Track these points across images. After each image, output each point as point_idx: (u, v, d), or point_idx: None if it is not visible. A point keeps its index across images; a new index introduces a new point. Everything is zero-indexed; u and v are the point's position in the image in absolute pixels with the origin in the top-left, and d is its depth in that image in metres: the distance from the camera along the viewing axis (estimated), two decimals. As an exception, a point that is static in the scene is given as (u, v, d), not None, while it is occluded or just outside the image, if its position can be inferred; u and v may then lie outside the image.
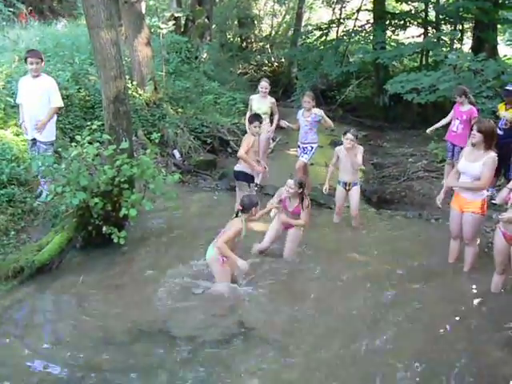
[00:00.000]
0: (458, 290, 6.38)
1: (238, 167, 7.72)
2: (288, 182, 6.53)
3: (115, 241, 6.35)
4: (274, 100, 9.37)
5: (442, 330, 5.50)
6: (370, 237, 7.78)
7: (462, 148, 7.74)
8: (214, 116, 12.06)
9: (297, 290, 6.16)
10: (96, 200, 6.11)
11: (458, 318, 5.76)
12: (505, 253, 5.86)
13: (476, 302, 6.12)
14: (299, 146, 9.03)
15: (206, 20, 17.28)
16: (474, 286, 6.42)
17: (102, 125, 6.91)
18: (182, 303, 5.63)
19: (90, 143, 6.46)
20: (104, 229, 6.29)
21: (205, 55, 16.65)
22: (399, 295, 6.14)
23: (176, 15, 16.48)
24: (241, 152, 7.53)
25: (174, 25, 16.10)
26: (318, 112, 8.87)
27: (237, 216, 5.95)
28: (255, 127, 7.60)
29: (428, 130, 9.49)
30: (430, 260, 7.03)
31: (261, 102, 9.20)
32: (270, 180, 9.28)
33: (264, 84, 9.25)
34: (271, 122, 9.44)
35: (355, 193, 7.85)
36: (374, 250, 7.30)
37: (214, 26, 19.60)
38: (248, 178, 7.70)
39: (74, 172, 6.10)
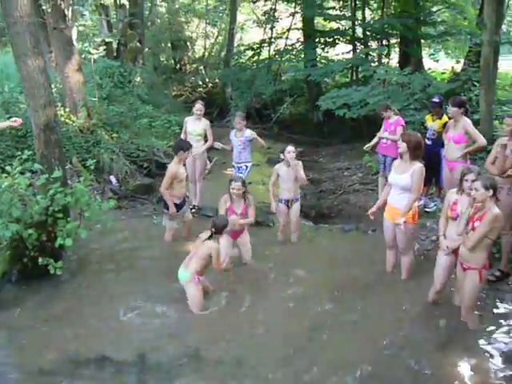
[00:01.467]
0: (397, 298, 6.54)
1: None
2: (233, 184, 6.79)
3: (52, 272, 6.23)
4: (208, 122, 9.42)
5: (383, 338, 5.64)
6: (310, 251, 7.91)
7: (393, 159, 7.97)
8: (149, 140, 12.00)
9: (248, 308, 6.21)
10: (30, 231, 6.00)
11: (397, 326, 5.91)
12: (448, 271, 6.05)
13: (413, 309, 6.30)
14: (234, 166, 9.11)
15: (138, 44, 17.23)
16: (411, 294, 6.60)
17: (34, 154, 6.80)
18: (127, 327, 5.66)
19: (21, 173, 6.35)
20: (40, 260, 6.16)
21: (138, 79, 16.57)
22: (340, 306, 6.27)
23: (107, 40, 16.40)
24: (161, 188, 7.65)
25: (105, 50, 16.04)
26: (249, 133, 8.96)
27: (211, 238, 6.10)
28: (185, 154, 7.80)
29: (365, 147, 9.68)
30: (368, 271, 7.18)
31: (195, 124, 9.23)
32: (207, 201, 9.32)
33: (198, 106, 9.28)
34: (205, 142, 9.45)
35: (297, 209, 7.96)
36: (314, 265, 7.41)
37: (146, 50, 19.57)
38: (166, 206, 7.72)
39: (5, 203, 5.96)
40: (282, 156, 7.80)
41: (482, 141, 7.77)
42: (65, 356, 5.09)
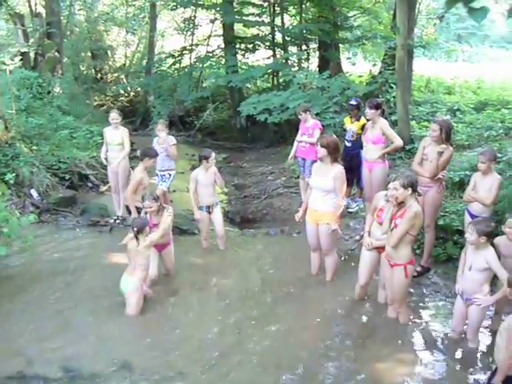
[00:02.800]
0: (322, 298, 6.66)
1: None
2: (145, 204, 6.62)
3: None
4: (126, 130, 9.22)
5: (310, 338, 5.74)
6: (235, 257, 7.91)
7: (312, 162, 8.08)
8: (70, 151, 11.67)
9: (170, 318, 6.17)
10: None
11: (324, 326, 6.02)
12: (372, 267, 6.19)
13: (339, 308, 6.40)
14: (157, 174, 9.00)
15: (57, 53, 16.77)
16: (336, 294, 6.72)
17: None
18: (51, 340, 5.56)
19: None
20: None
21: (58, 89, 16.14)
22: (266, 311, 6.31)
23: (23, 50, 15.90)
24: (126, 194, 7.76)
25: (21, 60, 15.51)
26: (172, 139, 8.88)
27: (137, 239, 6.08)
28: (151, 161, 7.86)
29: (289, 159, 9.77)
30: (294, 273, 7.28)
31: (113, 134, 9.05)
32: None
33: (113, 115, 9.08)
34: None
35: (218, 214, 7.92)
36: (238, 271, 7.43)
37: (65, 59, 19.08)
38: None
39: None
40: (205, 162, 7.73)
41: (398, 141, 7.97)
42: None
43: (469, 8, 2.12)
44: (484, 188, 6.36)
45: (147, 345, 5.57)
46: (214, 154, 7.77)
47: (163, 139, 8.85)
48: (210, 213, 7.90)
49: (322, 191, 6.55)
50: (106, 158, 9.21)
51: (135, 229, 6.10)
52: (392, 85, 13.13)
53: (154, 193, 6.92)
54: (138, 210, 7.45)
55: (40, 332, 5.72)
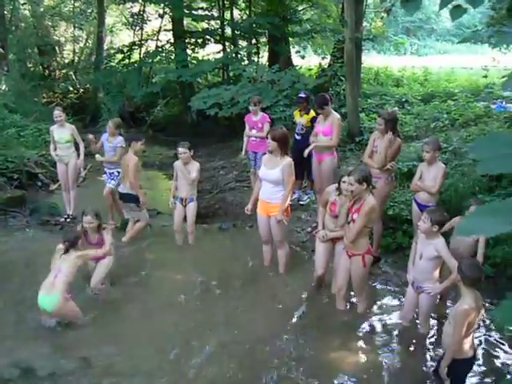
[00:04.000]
0: (276, 290, 6.69)
1: (122, 189, 7.86)
2: (85, 219, 6.35)
3: None
4: (73, 127, 9.05)
5: (264, 331, 5.75)
6: (189, 252, 7.87)
7: (264, 154, 8.10)
8: (18, 150, 11.42)
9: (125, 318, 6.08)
10: None
11: (277, 318, 6.07)
12: (327, 256, 6.25)
13: (293, 300, 6.46)
14: (106, 172, 8.86)
15: (1, 50, 16.41)
16: (288, 286, 6.77)
17: None
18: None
19: None
20: None
21: (4, 87, 15.79)
22: (220, 304, 6.32)
23: (-35, 47, 15.51)
24: (131, 180, 7.69)
25: (-36, 57, 15.13)
26: (121, 140, 8.71)
27: (67, 252, 5.77)
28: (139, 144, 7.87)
29: (241, 155, 9.77)
30: (247, 266, 7.31)
31: (61, 132, 8.88)
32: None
33: (57, 113, 8.91)
34: (77, 149, 9.12)
35: (191, 208, 7.85)
36: (193, 265, 7.41)
37: (11, 56, 18.65)
38: (136, 199, 7.78)
39: None
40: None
41: (333, 142, 8.12)
42: None
43: (402, 0, 2.16)
44: (429, 177, 6.49)
45: (103, 342, 5.51)
46: (180, 149, 7.66)
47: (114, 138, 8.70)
48: (184, 205, 7.87)
49: (271, 183, 6.59)
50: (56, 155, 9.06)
51: (66, 243, 5.81)
52: (341, 78, 13.29)
53: (96, 209, 6.63)
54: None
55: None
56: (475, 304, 4.40)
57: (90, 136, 8.84)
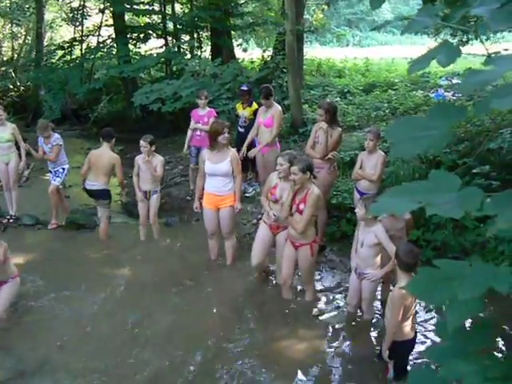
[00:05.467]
0: (224, 283, 6.78)
1: (97, 185, 7.77)
2: None
3: None
4: (14, 126, 8.85)
5: (212, 324, 5.83)
6: (135, 248, 7.90)
7: (208, 149, 8.15)
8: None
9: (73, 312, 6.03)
10: None
11: (226, 310, 6.14)
12: (264, 244, 6.30)
13: (241, 291, 6.54)
14: (50, 171, 8.73)
15: None
16: (237, 277, 6.86)
17: None
18: None
19: None
20: None
21: None
22: (167, 299, 6.35)
23: None
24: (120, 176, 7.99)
25: None
26: (57, 137, 8.58)
27: None
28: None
29: (184, 150, 9.76)
30: (195, 260, 7.37)
31: (1, 131, 8.65)
32: (26, 210, 8.92)
33: None
34: (18, 149, 8.93)
35: (155, 200, 7.90)
36: (139, 261, 7.44)
37: None
38: (109, 195, 7.98)
39: None
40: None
41: (274, 133, 8.25)
42: None
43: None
44: (370, 165, 6.64)
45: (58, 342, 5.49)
46: (141, 141, 7.69)
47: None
48: (147, 198, 7.90)
49: (220, 176, 6.66)
50: None
51: None
52: (284, 70, 13.38)
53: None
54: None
55: None
56: None
57: (27, 147, 8.78)
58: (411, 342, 4.77)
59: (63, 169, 8.71)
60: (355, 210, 5.66)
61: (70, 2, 20.46)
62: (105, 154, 7.94)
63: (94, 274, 7.02)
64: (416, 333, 4.84)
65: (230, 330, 5.69)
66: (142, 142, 7.65)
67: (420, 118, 1.64)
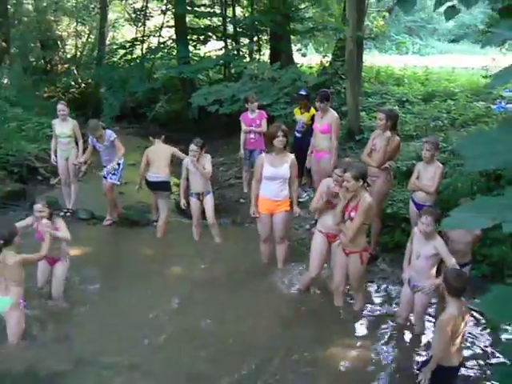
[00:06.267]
0: (274, 287, 6.76)
1: (161, 177, 7.99)
2: (35, 207, 5.95)
3: None
4: (75, 122, 9.08)
5: (262, 328, 5.85)
6: (187, 247, 7.94)
7: (260, 152, 8.18)
8: (19, 144, 11.47)
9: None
10: None
11: (276, 314, 6.16)
12: (322, 254, 6.27)
13: (292, 296, 6.54)
14: (105, 166, 8.80)
15: (4, 43, 16.45)
16: (288, 282, 6.83)
17: None
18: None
19: None
20: None
21: (5, 81, 15.81)
22: (219, 300, 6.38)
23: (-33, 41, 15.53)
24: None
25: (-34, 51, 15.15)
26: (110, 133, 8.67)
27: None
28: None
29: (241, 153, 9.83)
30: (246, 262, 7.37)
31: (62, 126, 8.90)
32: (83, 204, 9.09)
33: (60, 107, 8.94)
34: (77, 144, 9.13)
35: (209, 201, 7.90)
36: (191, 261, 7.48)
37: (13, 50, 18.68)
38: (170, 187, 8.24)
39: None
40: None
41: (334, 143, 8.16)
42: None
43: (398, -1, 2.21)
44: (427, 176, 6.53)
45: (99, 340, 5.54)
46: (191, 145, 7.74)
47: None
48: (200, 200, 7.92)
49: (279, 181, 6.65)
50: (55, 152, 9.08)
51: (1, 241, 5.17)
52: (342, 76, 13.31)
53: (48, 197, 6.62)
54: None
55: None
56: (458, 311, 4.44)
57: (76, 163, 9.01)
58: (456, 369, 4.66)
59: (118, 165, 8.79)
60: (416, 226, 5.54)
61: (134, 3, 20.84)
62: (161, 146, 8.35)
63: (145, 270, 7.11)
64: (462, 360, 4.74)
65: (276, 334, 5.70)
66: (192, 146, 7.70)
67: (492, 131, 1.61)
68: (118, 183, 8.77)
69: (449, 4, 2.03)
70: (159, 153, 8.20)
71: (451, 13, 1.94)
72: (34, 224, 6.01)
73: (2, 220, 5.97)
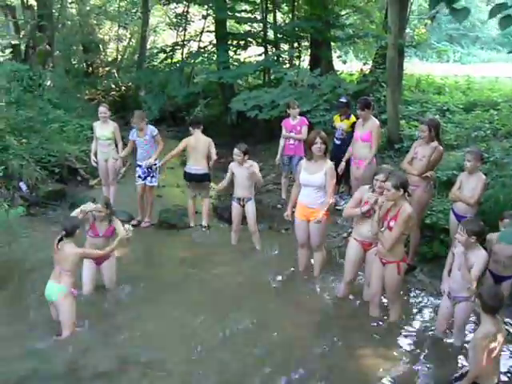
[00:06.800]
0: (311, 295, 6.76)
1: (201, 170, 8.39)
2: (96, 206, 6.18)
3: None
4: (116, 125, 9.21)
5: (299, 336, 5.79)
6: (225, 252, 7.98)
7: (300, 158, 8.16)
8: (60, 144, 11.65)
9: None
10: None
11: (313, 322, 6.10)
12: (356, 262, 6.22)
13: (328, 304, 6.51)
14: (140, 166, 8.89)
15: (48, 46, 16.73)
16: (324, 290, 6.80)
17: None
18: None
19: None
20: None
21: (49, 82, 16.07)
22: (255, 307, 6.37)
23: (13, 42, 15.83)
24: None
25: (12, 53, 15.44)
26: (152, 128, 8.84)
27: (60, 241, 5.50)
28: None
29: (277, 159, 9.84)
30: (282, 269, 7.37)
31: (103, 128, 9.04)
32: (121, 205, 9.16)
33: (102, 109, 9.09)
34: (116, 146, 9.25)
35: (250, 208, 7.92)
36: (229, 265, 7.51)
37: (56, 52, 19.01)
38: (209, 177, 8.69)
39: None
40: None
41: (373, 151, 8.14)
42: None
43: (451, 8, 2.17)
44: (469, 187, 6.43)
45: (144, 341, 5.60)
46: (234, 150, 7.81)
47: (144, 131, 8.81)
48: (241, 205, 7.96)
49: (314, 188, 6.61)
50: (95, 154, 9.20)
51: (63, 231, 5.50)
52: (382, 84, 13.20)
53: (106, 198, 6.76)
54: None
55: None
56: (495, 328, 4.37)
57: (117, 157, 9.23)
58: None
59: (154, 165, 8.85)
60: (456, 235, 5.44)
61: (175, 8, 21.03)
62: (200, 138, 8.56)
63: (184, 274, 7.19)
64: (499, 378, 4.65)
65: (309, 343, 5.65)
66: (236, 150, 7.72)
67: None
68: (156, 185, 8.88)
69: (505, 13, 1.98)
70: (198, 144, 8.45)
71: (507, 22, 1.89)
72: (91, 221, 6.28)
73: (68, 216, 6.15)
